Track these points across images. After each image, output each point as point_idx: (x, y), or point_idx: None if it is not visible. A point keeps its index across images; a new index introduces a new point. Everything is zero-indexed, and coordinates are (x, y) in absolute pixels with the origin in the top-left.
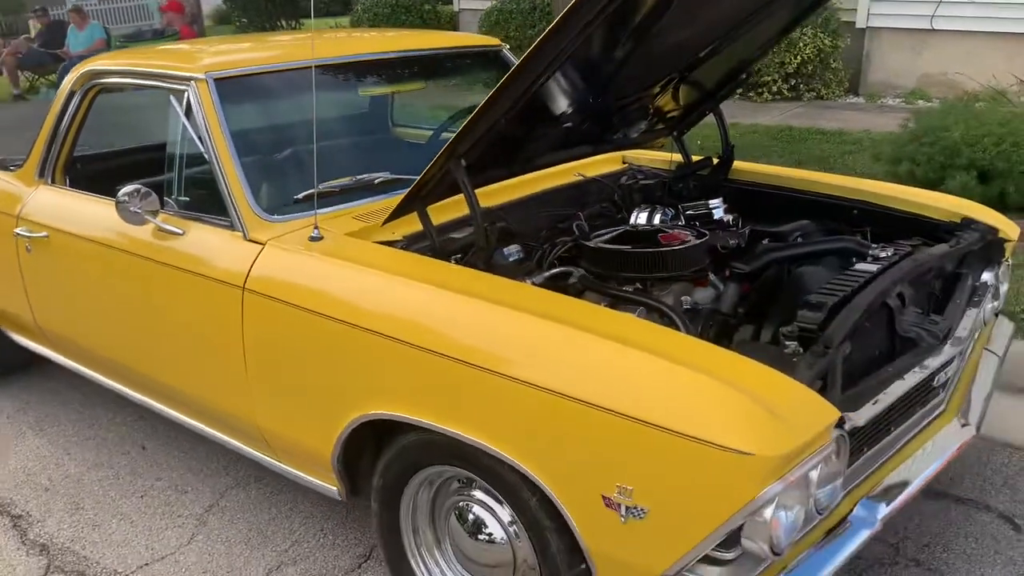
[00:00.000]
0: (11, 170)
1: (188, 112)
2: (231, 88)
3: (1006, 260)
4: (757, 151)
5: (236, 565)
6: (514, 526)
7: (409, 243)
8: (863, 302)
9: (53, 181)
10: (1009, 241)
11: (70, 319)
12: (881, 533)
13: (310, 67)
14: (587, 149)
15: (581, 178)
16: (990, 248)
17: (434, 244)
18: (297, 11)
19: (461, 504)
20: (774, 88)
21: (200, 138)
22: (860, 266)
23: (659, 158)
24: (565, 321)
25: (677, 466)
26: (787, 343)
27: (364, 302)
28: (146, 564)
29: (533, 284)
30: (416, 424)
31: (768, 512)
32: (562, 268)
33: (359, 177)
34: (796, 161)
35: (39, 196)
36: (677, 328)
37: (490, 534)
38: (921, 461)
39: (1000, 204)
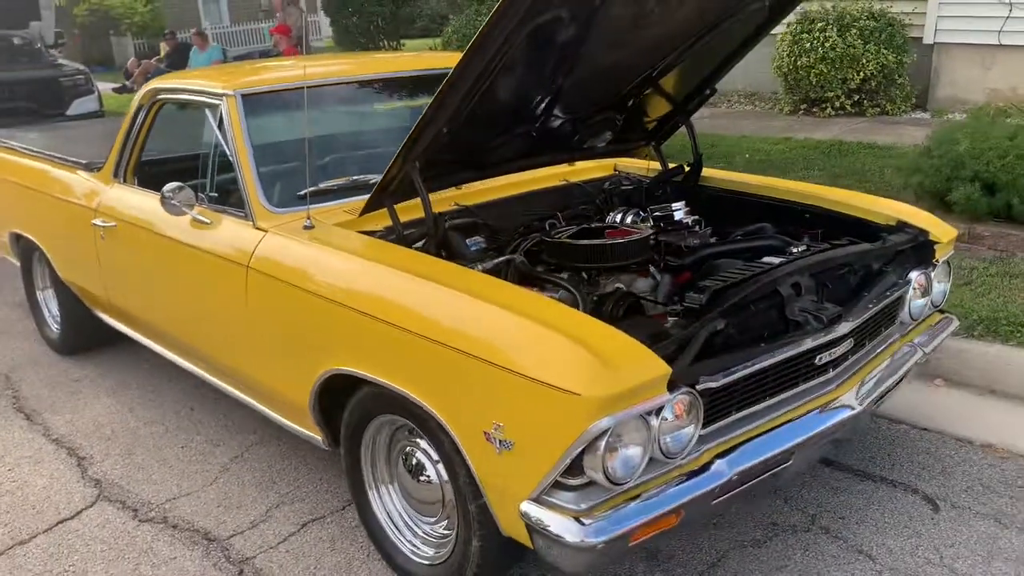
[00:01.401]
0: (95, 171)
1: (220, 122)
2: (255, 103)
3: (937, 261)
4: (798, 165)
5: (245, 502)
6: (439, 464)
7: (387, 233)
8: (743, 289)
9: (124, 181)
10: (939, 243)
11: (130, 295)
12: (800, 504)
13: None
14: (557, 156)
15: (565, 183)
16: (921, 249)
17: (399, 234)
18: (398, 33)
19: (408, 449)
20: (837, 104)
21: (227, 143)
22: (766, 259)
23: (646, 166)
24: (472, 293)
25: (530, 405)
26: (670, 318)
27: (330, 278)
28: (174, 498)
29: (483, 269)
30: (366, 378)
31: (602, 445)
32: (506, 257)
33: (355, 178)
34: (833, 175)
35: (112, 192)
36: (577, 303)
37: (428, 476)
38: (794, 429)
39: (1007, 216)
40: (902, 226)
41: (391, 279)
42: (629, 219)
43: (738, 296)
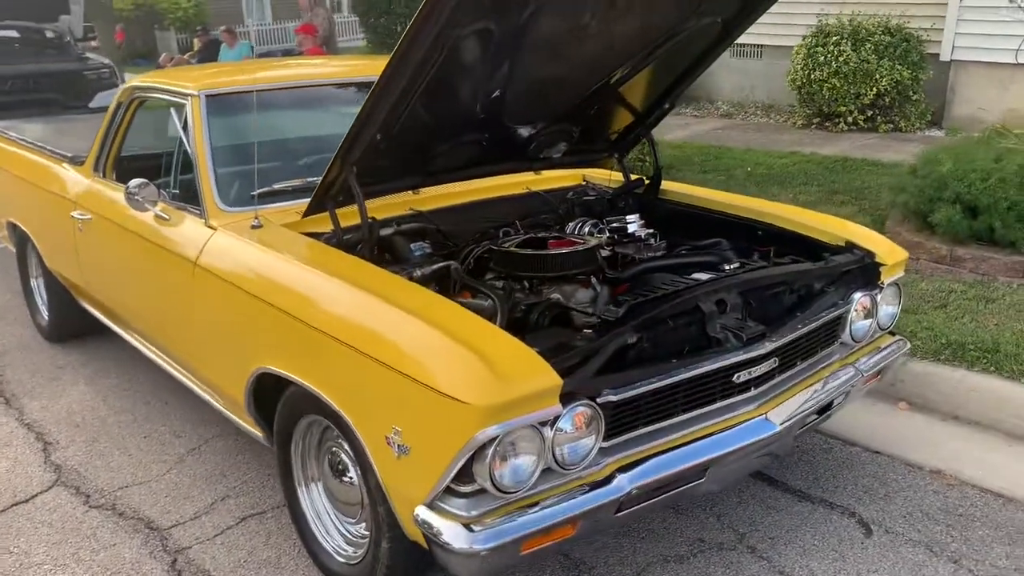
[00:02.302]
0: (79, 165)
1: (184, 121)
2: (218, 103)
3: (883, 284)
4: (797, 180)
5: (192, 494)
6: (356, 466)
7: (332, 235)
8: (659, 304)
9: (104, 175)
10: (885, 265)
11: (104, 287)
12: (732, 522)
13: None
14: (510, 165)
15: (527, 191)
16: (867, 271)
17: (339, 237)
18: None
19: (334, 449)
20: (850, 118)
21: (188, 141)
22: (695, 275)
23: (613, 177)
24: (384, 298)
25: (423, 411)
26: (585, 330)
27: (263, 277)
28: (127, 486)
29: (420, 275)
30: (290, 379)
31: (489, 453)
32: (443, 263)
33: (309, 179)
34: (830, 191)
35: (90, 186)
36: (490, 307)
37: (351, 477)
38: (705, 447)
39: (989, 239)
40: (850, 247)
41: (313, 280)
42: (587, 229)
43: (653, 311)
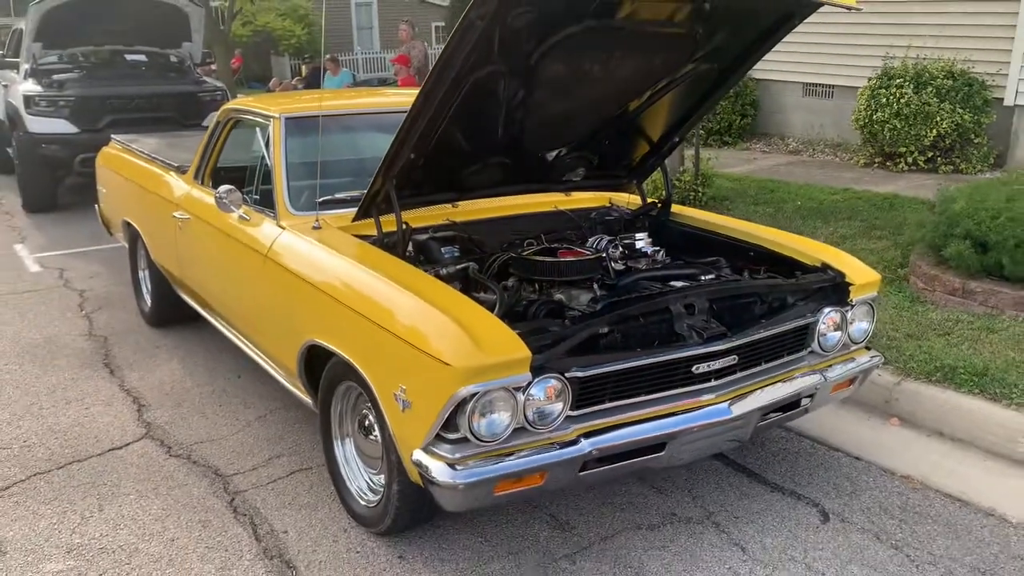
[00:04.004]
0: (183, 173)
1: (267, 139)
2: (295, 125)
3: (852, 302)
4: (842, 214)
5: (254, 451)
6: (378, 425)
7: (380, 238)
8: (630, 303)
9: (202, 182)
10: (853, 285)
11: (196, 277)
12: (704, 503)
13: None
14: (534, 186)
15: (555, 210)
16: (837, 290)
17: (380, 239)
18: None
19: (363, 411)
20: (910, 159)
21: (269, 156)
22: (672, 283)
23: (635, 200)
24: (405, 285)
25: (421, 372)
26: (564, 321)
27: (315, 267)
28: (201, 442)
29: (445, 273)
30: (330, 349)
31: (468, 408)
32: (464, 264)
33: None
34: (870, 226)
35: (190, 191)
36: (495, 299)
37: (375, 435)
38: (663, 423)
39: (1000, 274)
40: (824, 267)
41: (352, 270)
42: (603, 244)
43: (624, 308)
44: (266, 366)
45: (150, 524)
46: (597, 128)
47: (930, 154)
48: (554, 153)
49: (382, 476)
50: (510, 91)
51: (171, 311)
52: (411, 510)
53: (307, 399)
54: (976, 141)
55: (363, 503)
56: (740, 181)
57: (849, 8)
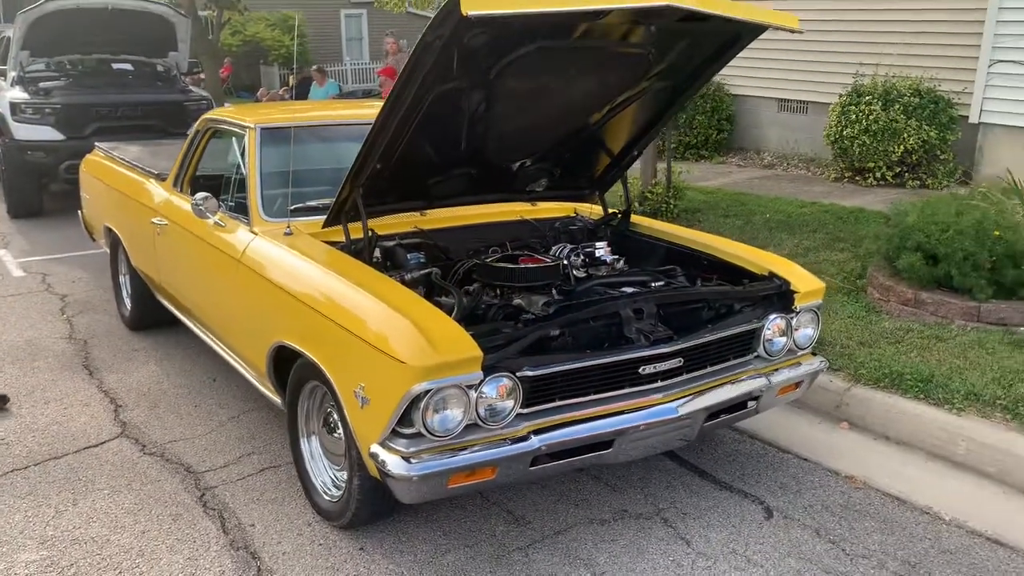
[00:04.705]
0: (162, 180)
1: (243, 148)
2: (270, 135)
3: (796, 309)
4: (808, 227)
5: (226, 449)
6: (341, 423)
7: (348, 244)
8: (580, 308)
9: (181, 189)
10: (798, 293)
11: (173, 281)
12: (655, 500)
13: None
14: (498, 196)
15: (520, 219)
16: (782, 297)
17: (347, 245)
18: None
19: (328, 410)
20: (878, 174)
21: (244, 164)
22: (624, 289)
23: (597, 211)
24: (366, 288)
25: (378, 370)
26: (518, 323)
27: (285, 271)
28: (175, 440)
29: (409, 278)
30: (297, 350)
31: (422, 405)
32: (428, 270)
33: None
34: (834, 238)
35: (168, 198)
36: (453, 301)
37: (339, 433)
38: (610, 422)
39: (949, 285)
40: (771, 276)
41: (318, 274)
42: (566, 252)
43: (575, 312)
44: (238, 367)
45: (122, 517)
46: (558, 141)
47: (898, 169)
48: (517, 164)
49: (344, 472)
50: (472, 105)
51: (150, 315)
52: (371, 504)
53: (276, 398)
54: (942, 157)
55: (327, 498)
56: (712, 194)
57: (792, 31)
